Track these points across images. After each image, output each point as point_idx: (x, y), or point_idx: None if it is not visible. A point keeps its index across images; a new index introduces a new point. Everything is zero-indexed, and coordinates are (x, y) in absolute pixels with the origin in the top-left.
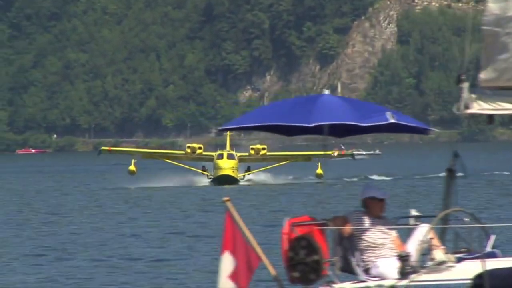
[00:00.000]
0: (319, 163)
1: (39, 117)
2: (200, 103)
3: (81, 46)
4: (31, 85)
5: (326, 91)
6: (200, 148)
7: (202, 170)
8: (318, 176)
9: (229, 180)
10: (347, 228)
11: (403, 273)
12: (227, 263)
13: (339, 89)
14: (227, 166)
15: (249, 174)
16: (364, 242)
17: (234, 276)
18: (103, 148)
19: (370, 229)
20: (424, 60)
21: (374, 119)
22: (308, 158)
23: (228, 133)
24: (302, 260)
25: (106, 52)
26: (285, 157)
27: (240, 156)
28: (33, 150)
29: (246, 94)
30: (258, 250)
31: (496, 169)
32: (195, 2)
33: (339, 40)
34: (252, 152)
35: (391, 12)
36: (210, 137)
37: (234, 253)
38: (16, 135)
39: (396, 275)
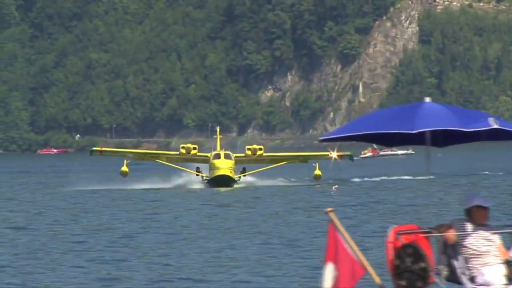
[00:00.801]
0: (316, 164)
1: (60, 117)
2: (221, 103)
3: (102, 46)
4: (52, 85)
5: (427, 99)
6: (195, 148)
7: (196, 172)
8: (316, 177)
9: (226, 180)
10: (452, 236)
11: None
12: (330, 273)
13: (360, 89)
14: (224, 166)
15: (244, 175)
16: (469, 250)
17: (337, 287)
18: (94, 148)
19: (475, 237)
20: (445, 60)
21: (477, 125)
22: (304, 159)
23: (218, 135)
24: (409, 268)
25: (128, 52)
26: (282, 158)
27: (236, 157)
28: (54, 150)
29: (267, 94)
30: (363, 259)
31: None
32: (216, 2)
33: (361, 40)
34: (249, 152)
35: (413, 12)
36: (231, 137)
37: (337, 263)
38: (37, 135)
39: (503, 281)
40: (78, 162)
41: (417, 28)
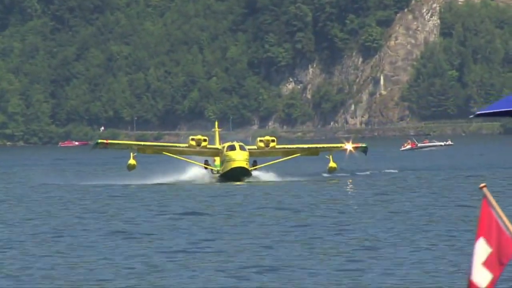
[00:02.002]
0: (330, 156)
1: (81, 109)
2: (242, 95)
3: (123, 39)
4: (73, 78)
5: None
6: (205, 140)
7: (205, 165)
8: (331, 170)
9: (243, 173)
10: None
11: None
12: (481, 250)
13: (381, 82)
14: (241, 158)
15: (255, 168)
16: None
17: (489, 264)
18: (100, 141)
19: None
20: (466, 53)
21: None
22: (316, 151)
23: (217, 128)
24: None
25: (149, 45)
26: (294, 150)
27: (248, 149)
28: (76, 143)
29: (288, 86)
30: None
31: None
32: None
33: (382, 33)
34: (262, 144)
35: (434, 5)
36: (253, 130)
37: (489, 240)
38: (58, 127)
39: None
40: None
41: (438, 21)
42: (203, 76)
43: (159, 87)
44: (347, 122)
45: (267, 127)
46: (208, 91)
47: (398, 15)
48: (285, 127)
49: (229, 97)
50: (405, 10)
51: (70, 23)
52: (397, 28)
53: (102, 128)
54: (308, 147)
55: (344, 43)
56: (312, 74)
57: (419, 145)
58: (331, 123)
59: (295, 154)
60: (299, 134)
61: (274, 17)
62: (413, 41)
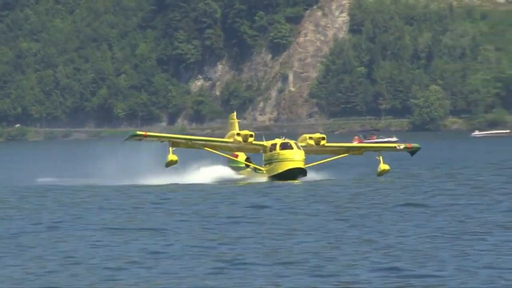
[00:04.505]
0: (381, 157)
1: None
2: (151, 92)
3: (33, 36)
4: None
5: None
6: (251, 136)
7: (247, 162)
8: (383, 172)
9: (300, 174)
10: None
11: None
12: None
13: (290, 79)
14: (298, 158)
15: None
16: None
17: None
18: (137, 132)
19: None
20: (375, 49)
21: None
22: (361, 151)
23: (235, 118)
24: None
25: (58, 42)
26: (345, 149)
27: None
28: None
29: (197, 83)
30: None
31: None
32: None
33: (291, 29)
34: (311, 142)
35: (343, 1)
36: (161, 126)
37: None
38: None
39: None
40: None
41: (347, 18)
42: (112, 73)
43: (68, 84)
44: (255, 119)
45: (175, 124)
46: (117, 88)
47: (307, 11)
48: (194, 124)
49: (138, 94)
50: (315, 7)
51: None
52: (306, 24)
53: (18, 125)
54: (363, 146)
55: (253, 39)
56: (221, 70)
57: (365, 141)
58: (240, 120)
59: (347, 153)
60: (208, 131)
61: (183, 14)
62: (322, 38)
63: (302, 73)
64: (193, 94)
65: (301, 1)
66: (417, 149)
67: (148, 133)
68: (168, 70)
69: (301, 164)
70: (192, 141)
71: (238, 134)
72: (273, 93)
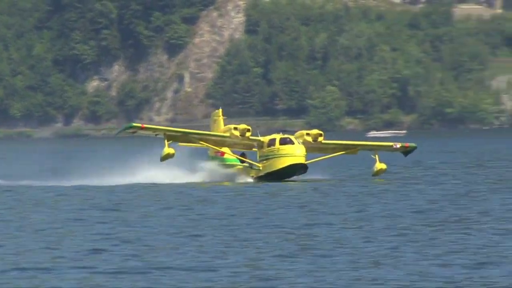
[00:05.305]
0: (376, 156)
1: None
2: (47, 93)
3: None
4: None
5: None
6: (248, 130)
7: (242, 158)
8: (380, 172)
9: (301, 170)
10: None
11: None
12: None
13: (186, 79)
14: (300, 153)
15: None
16: None
17: None
18: (133, 124)
19: None
20: (272, 50)
21: None
22: (355, 150)
23: (221, 115)
24: None
25: None
26: (345, 147)
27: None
28: None
29: (93, 84)
30: None
31: None
32: None
33: (187, 30)
34: (309, 139)
35: (239, 2)
36: (57, 127)
37: None
38: None
39: None
40: None
41: (244, 18)
42: (8, 74)
43: None
44: (151, 120)
45: (71, 124)
46: (13, 88)
47: (203, 12)
48: (90, 124)
49: (34, 95)
50: (211, 7)
51: None
52: (203, 25)
53: None
54: (361, 144)
55: (149, 40)
56: (117, 71)
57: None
58: (136, 121)
59: (344, 151)
60: (104, 131)
61: (79, 14)
62: (218, 38)
63: (198, 73)
64: (89, 94)
65: (197, 1)
66: (414, 148)
67: (146, 125)
68: (64, 71)
69: (302, 160)
70: (188, 135)
71: (236, 128)
72: (169, 94)
